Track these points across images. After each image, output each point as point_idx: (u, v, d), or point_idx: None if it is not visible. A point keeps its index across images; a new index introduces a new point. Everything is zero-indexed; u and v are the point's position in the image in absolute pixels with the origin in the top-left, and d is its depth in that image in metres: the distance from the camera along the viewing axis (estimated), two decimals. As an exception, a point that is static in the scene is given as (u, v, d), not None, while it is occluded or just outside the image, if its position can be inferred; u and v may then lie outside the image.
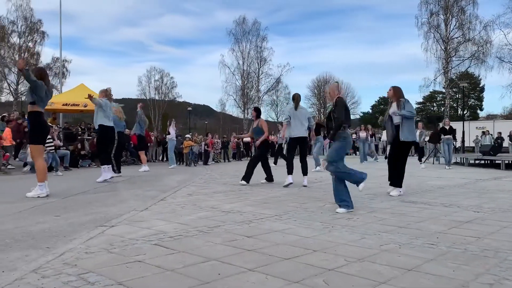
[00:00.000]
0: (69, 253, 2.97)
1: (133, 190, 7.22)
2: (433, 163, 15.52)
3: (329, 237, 3.55)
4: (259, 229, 3.87)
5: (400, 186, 6.42)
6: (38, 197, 5.96)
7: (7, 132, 12.30)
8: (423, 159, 13.98)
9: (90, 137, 15.68)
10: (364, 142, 16.87)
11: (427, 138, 15.82)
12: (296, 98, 8.00)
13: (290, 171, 7.78)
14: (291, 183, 7.66)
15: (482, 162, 14.78)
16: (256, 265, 2.69)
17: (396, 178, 6.48)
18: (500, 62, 32.66)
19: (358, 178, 5.03)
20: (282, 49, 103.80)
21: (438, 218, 4.45)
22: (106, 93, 9.05)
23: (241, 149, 23.60)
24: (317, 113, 62.80)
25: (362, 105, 66.51)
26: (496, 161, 13.25)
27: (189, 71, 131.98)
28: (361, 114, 64.60)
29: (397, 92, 6.58)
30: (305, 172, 8.00)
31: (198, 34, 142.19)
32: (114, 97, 9.53)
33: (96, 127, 8.84)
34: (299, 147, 8.19)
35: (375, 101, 65.57)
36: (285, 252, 3.02)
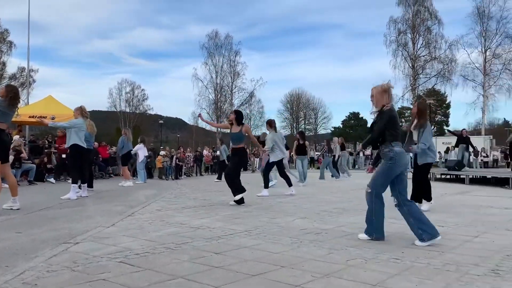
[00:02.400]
0: (30, 272, 2.87)
1: (100, 205, 7.06)
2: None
3: (297, 252, 3.57)
4: (228, 245, 3.85)
5: (429, 200, 6.48)
6: (11, 209, 6.14)
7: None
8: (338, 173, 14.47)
9: (57, 151, 15.26)
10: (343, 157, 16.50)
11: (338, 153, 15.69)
12: (274, 123, 9.41)
13: (267, 185, 8.95)
14: (266, 195, 8.55)
15: (448, 177, 15.20)
16: (223, 282, 2.67)
17: (424, 193, 6.48)
18: (464, 80, 34.08)
19: (377, 229, 4.12)
20: (256, 64, 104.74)
21: (405, 232, 4.53)
22: (81, 111, 8.63)
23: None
24: (290, 127, 63.38)
25: (333, 120, 67.33)
26: (461, 176, 13.67)
27: (161, 84, 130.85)
28: (332, 129, 65.52)
29: (420, 113, 6.26)
30: (290, 183, 9.06)
31: (170, 47, 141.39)
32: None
33: (68, 145, 8.57)
34: (280, 165, 9.28)
35: (346, 116, 66.60)
36: (253, 269, 3.01)
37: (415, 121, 6.32)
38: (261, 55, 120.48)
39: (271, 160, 9.11)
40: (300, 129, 58.73)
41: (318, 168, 17.49)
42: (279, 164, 9.23)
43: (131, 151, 13.13)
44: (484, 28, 33.24)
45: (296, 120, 64.62)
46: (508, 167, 14.29)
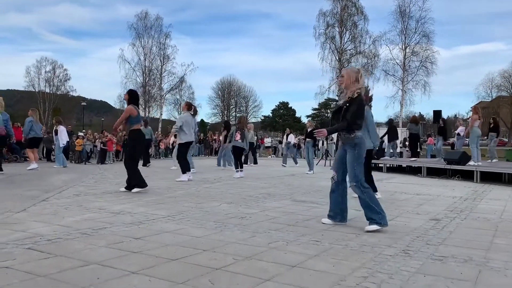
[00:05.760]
0: None
1: (11, 190, 6.52)
2: (324, 165, 16.47)
3: (220, 236, 3.54)
4: (149, 230, 3.72)
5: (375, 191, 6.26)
6: None
7: None
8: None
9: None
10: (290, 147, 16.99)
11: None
12: (192, 107, 9.31)
13: (185, 170, 8.72)
14: (184, 180, 8.46)
15: (368, 165, 16.03)
16: (140, 268, 2.56)
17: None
18: (386, 75, 35.91)
19: (381, 215, 3.97)
20: (187, 49, 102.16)
21: (325, 216, 4.67)
22: None
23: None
24: (220, 114, 63.23)
25: (263, 109, 68.21)
26: (379, 165, 14.49)
27: (85, 64, 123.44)
28: (262, 118, 66.51)
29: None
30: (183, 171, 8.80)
31: (96, 26, 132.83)
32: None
33: None
34: (182, 149, 8.98)
35: (275, 106, 67.90)
36: (173, 253, 2.93)
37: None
38: (192, 40, 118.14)
39: (177, 142, 8.99)
40: (236, 117, 58.93)
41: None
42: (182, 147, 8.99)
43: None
44: (405, 27, 35.23)
45: (227, 107, 64.55)
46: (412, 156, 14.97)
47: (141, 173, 6.66)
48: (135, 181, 6.48)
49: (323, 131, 4.17)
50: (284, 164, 15.51)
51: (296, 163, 16.42)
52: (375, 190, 6.40)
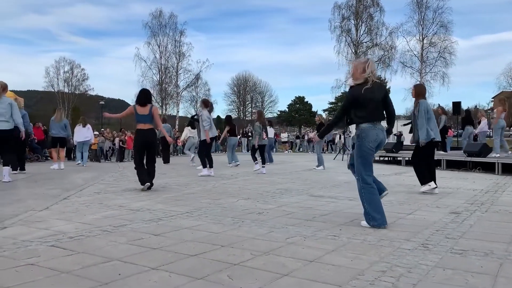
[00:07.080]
0: None
1: (34, 189, 6.68)
2: (342, 159, 16.39)
3: (238, 232, 3.57)
4: (168, 226, 3.78)
5: (430, 181, 6.33)
6: None
7: None
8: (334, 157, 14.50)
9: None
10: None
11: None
12: (210, 104, 9.61)
13: (207, 164, 9.10)
14: (208, 175, 8.85)
15: (386, 158, 15.90)
16: (160, 264, 2.61)
17: (427, 175, 6.43)
18: (403, 67, 35.44)
19: (372, 217, 3.81)
20: (202, 45, 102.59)
21: (342, 211, 4.68)
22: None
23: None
24: (236, 110, 63.34)
25: (279, 104, 68.02)
26: (398, 158, 14.32)
27: (103, 64, 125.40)
28: (278, 113, 66.39)
29: (416, 95, 6.57)
30: (211, 164, 9.18)
31: (112, 26, 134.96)
32: (17, 88, 8.71)
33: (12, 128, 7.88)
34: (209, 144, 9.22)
35: (292, 100, 67.69)
36: (192, 249, 2.97)
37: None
38: (206, 37, 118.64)
39: (204, 138, 9.06)
40: (256, 111, 58.83)
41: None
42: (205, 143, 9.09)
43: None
44: (422, 17, 34.67)
45: (243, 103, 64.63)
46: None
47: (143, 171, 6.60)
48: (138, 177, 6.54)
49: (315, 137, 4.03)
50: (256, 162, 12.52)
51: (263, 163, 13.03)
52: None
